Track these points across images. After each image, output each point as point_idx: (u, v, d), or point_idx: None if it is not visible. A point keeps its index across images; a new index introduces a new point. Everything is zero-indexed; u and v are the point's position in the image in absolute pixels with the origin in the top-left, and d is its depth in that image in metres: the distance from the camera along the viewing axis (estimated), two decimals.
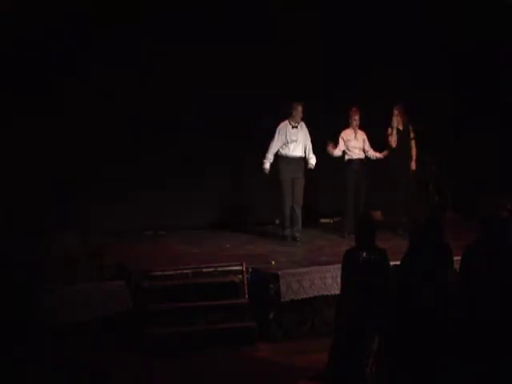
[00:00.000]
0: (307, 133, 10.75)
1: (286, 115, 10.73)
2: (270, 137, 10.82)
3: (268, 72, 11.49)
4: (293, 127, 10.70)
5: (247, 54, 11.47)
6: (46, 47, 10.50)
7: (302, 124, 10.74)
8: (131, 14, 10.83)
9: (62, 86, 10.67)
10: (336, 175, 11.03)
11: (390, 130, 11.02)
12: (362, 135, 11.02)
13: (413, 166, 11.07)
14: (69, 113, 10.75)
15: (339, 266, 6.99)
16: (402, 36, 12.04)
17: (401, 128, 11.02)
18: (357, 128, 10.98)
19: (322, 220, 11.73)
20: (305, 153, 10.73)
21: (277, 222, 11.52)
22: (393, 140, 10.96)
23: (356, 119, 10.92)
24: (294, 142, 10.66)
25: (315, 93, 11.40)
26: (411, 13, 12.03)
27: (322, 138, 10.97)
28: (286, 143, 10.66)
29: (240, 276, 8.65)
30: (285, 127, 10.71)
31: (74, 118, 10.76)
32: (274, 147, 10.68)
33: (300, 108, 10.61)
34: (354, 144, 10.96)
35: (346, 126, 11.00)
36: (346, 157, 10.96)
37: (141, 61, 11.01)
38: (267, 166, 10.66)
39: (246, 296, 8.59)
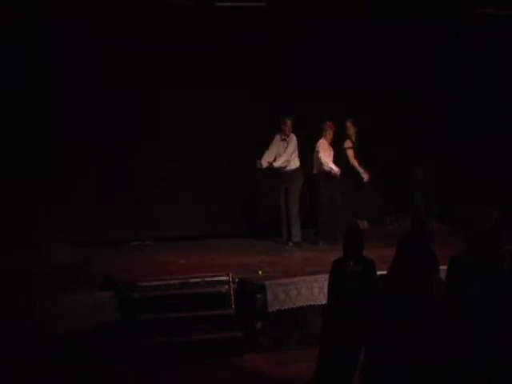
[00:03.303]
0: (294, 145, 10.87)
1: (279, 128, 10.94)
2: (268, 138, 10.93)
3: (268, 72, 11.51)
4: (281, 140, 10.90)
5: (247, 54, 11.44)
6: (46, 47, 10.51)
7: (292, 137, 10.88)
8: (131, 14, 10.82)
9: (58, 87, 10.61)
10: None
11: (348, 142, 11.41)
12: (331, 150, 11.25)
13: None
14: (66, 116, 10.69)
15: (326, 276, 6.99)
16: (402, 36, 12.00)
17: (353, 140, 11.44)
18: (330, 142, 11.18)
19: (310, 230, 11.65)
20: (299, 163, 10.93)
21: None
22: (351, 154, 11.36)
23: (330, 134, 11.12)
24: (281, 154, 10.88)
25: (314, 93, 11.48)
26: (411, 13, 11.96)
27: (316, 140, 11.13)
28: (276, 155, 10.87)
29: (226, 286, 8.59)
30: (275, 139, 10.94)
31: (72, 120, 10.69)
32: (266, 155, 10.88)
33: (289, 122, 10.83)
34: (327, 157, 11.09)
35: (319, 137, 11.17)
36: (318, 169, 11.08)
37: (141, 60, 10.98)
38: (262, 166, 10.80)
39: (233, 306, 8.53)
